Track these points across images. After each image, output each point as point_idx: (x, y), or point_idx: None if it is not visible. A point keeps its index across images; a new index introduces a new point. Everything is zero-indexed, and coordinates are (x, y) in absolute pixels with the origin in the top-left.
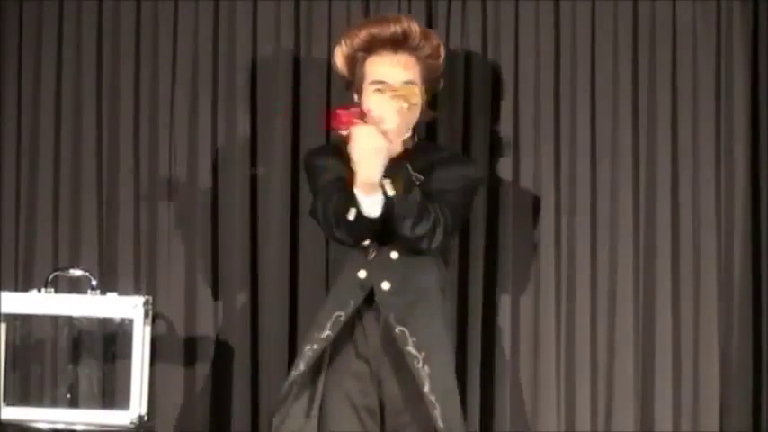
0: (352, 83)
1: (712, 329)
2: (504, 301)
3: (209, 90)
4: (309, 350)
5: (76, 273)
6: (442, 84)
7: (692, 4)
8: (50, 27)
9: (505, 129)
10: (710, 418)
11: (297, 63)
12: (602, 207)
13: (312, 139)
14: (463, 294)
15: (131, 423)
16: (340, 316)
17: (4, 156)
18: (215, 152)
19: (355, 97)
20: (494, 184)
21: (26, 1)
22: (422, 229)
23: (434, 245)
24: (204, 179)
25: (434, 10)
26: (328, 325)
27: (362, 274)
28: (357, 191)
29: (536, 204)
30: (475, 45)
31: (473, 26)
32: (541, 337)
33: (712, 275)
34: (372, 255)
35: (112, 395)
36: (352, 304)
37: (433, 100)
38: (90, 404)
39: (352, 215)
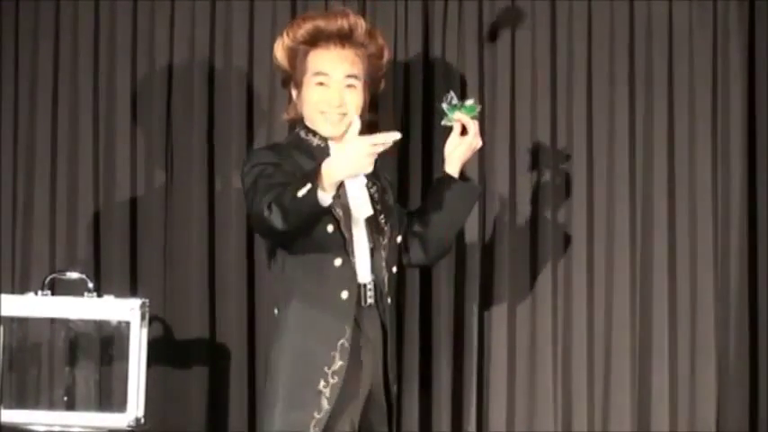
0: (291, 77)
1: (709, 330)
2: (501, 302)
3: (205, 91)
4: (327, 387)
5: (73, 275)
6: (383, 85)
7: (688, 4)
8: (47, 29)
9: (502, 130)
10: (707, 419)
11: None
12: (599, 207)
13: None
14: (460, 295)
15: (128, 426)
16: (344, 344)
17: (1, 158)
18: (211, 153)
19: (294, 93)
20: (491, 184)
21: (23, 1)
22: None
23: None
24: (201, 180)
25: (431, 11)
26: (337, 355)
27: (345, 294)
28: (325, 182)
29: (534, 205)
30: (471, 46)
31: (469, 27)
32: (538, 338)
33: (709, 276)
34: (384, 272)
35: (109, 398)
36: (347, 330)
37: (372, 101)
38: (87, 407)
39: (303, 191)
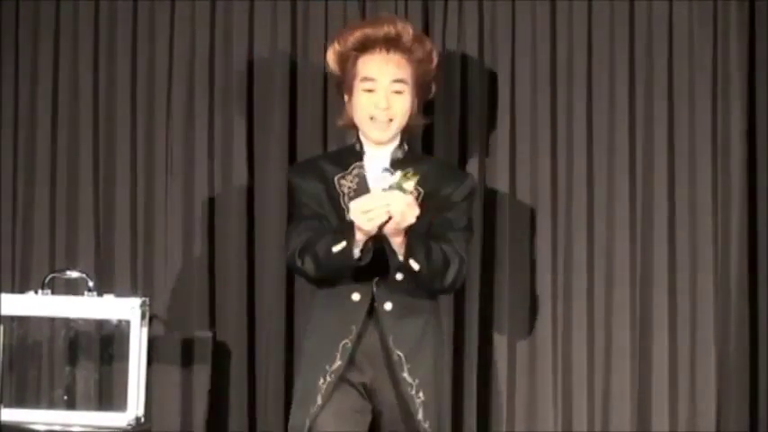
0: (344, 82)
1: (709, 330)
2: (502, 301)
3: (205, 92)
4: (324, 384)
5: (73, 274)
6: (434, 89)
7: (688, 4)
8: (47, 29)
9: (502, 130)
10: (707, 419)
11: (294, 65)
12: (599, 207)
13: (308, 141)
14: (461, 294)
15: (128, 425)
16: (347, 344)
17: (1, 158)
18: (211, 154)
19: (345, 98)
20: (491, 182)
21: (23, 1)
22: (451, 276)
23: (461, 281)
24: (201, 181)
25: (431, 11)
26: (338, 355)
27: (356, 296)
28: (360, 237)
29: (533, 209)
30: (471, 46)
31: (469, 27)
32: (538, 337)
33: (709, 276)
34: (377, 277)
35: (109, 397)
36: (354, 330)
37: (427, 106)
38: (87, 406)
39: (339, 247)
